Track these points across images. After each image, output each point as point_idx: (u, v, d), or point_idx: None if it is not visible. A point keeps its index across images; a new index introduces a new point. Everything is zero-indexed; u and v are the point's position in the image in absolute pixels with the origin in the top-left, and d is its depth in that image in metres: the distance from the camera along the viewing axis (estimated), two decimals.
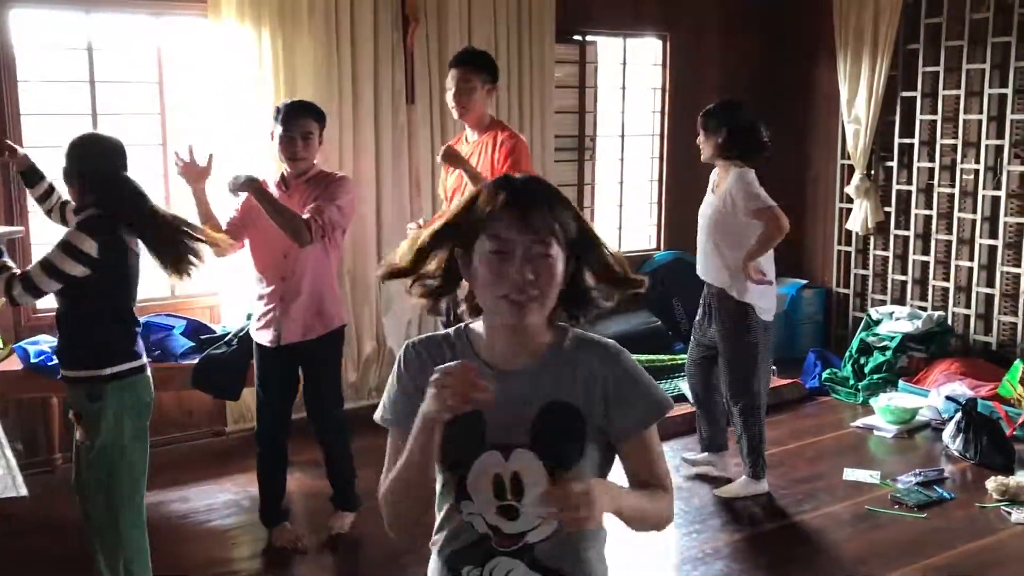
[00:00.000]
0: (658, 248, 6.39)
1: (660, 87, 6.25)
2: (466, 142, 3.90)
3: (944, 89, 5.60)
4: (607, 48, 6.06)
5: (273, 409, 3.54)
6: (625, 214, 6.27)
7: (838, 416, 5.20)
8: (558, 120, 5.80)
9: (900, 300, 5.98)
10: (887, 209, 6.00)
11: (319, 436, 3.67)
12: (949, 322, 5.67)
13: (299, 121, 3.47)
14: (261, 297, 3.50)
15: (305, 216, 3.34)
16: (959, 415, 4.58)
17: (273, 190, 3.47)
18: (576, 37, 5.85)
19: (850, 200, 6.13)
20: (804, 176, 6.53)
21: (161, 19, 4.59)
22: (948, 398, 4.83)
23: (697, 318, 4.20)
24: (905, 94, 5.83)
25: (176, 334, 4.07)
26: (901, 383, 5.32)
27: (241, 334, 3.99)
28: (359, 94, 4.90)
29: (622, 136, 6.18)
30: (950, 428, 4.61)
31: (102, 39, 4.49)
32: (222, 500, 4.11)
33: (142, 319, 4.03)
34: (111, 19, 4.54)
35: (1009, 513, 3.88)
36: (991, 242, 5.45)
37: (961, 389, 4.97)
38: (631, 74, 6.18)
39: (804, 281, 6.44)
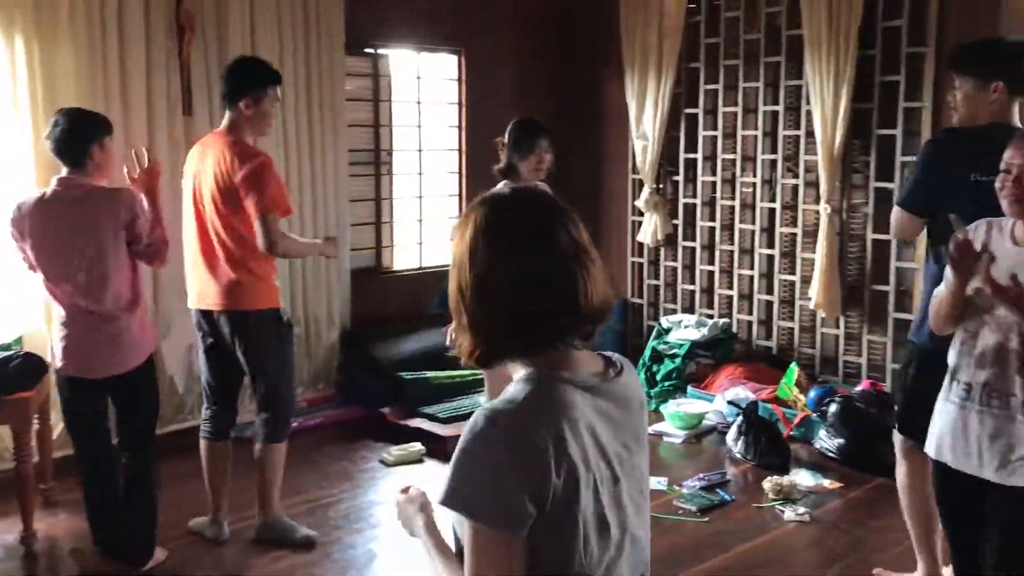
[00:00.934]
0: None
1: (457, 102, 6.24)
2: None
3: (723, 106, 5.87)
4: (402, 62, 5.99)
5: None
6: (425, 229, 6.20)
7: None
8: (352, 134, 5.67)
9: (690, 309, 6.22)
10: (675, 222, 6.23)
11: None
12: (734, 329, 5.93)
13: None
14: None
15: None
16: (740, 418, 4.78)
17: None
18: (368, 50, 5.74)
19: (641, 213, 6.32)
20: (599, 191, 6.69)
21: None
22: (730, 402, 5.04)
23: None
24: (688, 111, 6.07)
25: None
26: (690, 389, 5.51)
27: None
28: (130, 104, 4.60)
29: (420, 150, 6.11)
30: (732, 431, 4.81)
31: None
32: None
33: None
34: None
35: (782, 511, 4.06)
36: (769, 251, 5.75)
37: (744, 393, 5.19)
38: (429, 88, 6.13)
39: None
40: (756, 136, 5.73)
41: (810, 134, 5.38)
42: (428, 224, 6.22)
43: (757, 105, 5.70)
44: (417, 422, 5.07)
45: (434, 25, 5.96)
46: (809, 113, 5.34)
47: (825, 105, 5.18)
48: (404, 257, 6.15)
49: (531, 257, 1.34)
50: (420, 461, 4.76)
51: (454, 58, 6.19)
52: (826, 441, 4.66)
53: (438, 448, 4.81)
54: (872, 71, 5.12)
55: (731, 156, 5.89)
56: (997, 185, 2.38)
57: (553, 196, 1.47)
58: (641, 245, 6.42)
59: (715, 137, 5.95)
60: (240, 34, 4.91)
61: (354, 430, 5.19)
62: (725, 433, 4.95)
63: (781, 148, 5.61)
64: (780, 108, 5.58)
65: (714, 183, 5.99)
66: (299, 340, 5.35)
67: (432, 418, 5.09)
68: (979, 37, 3.67)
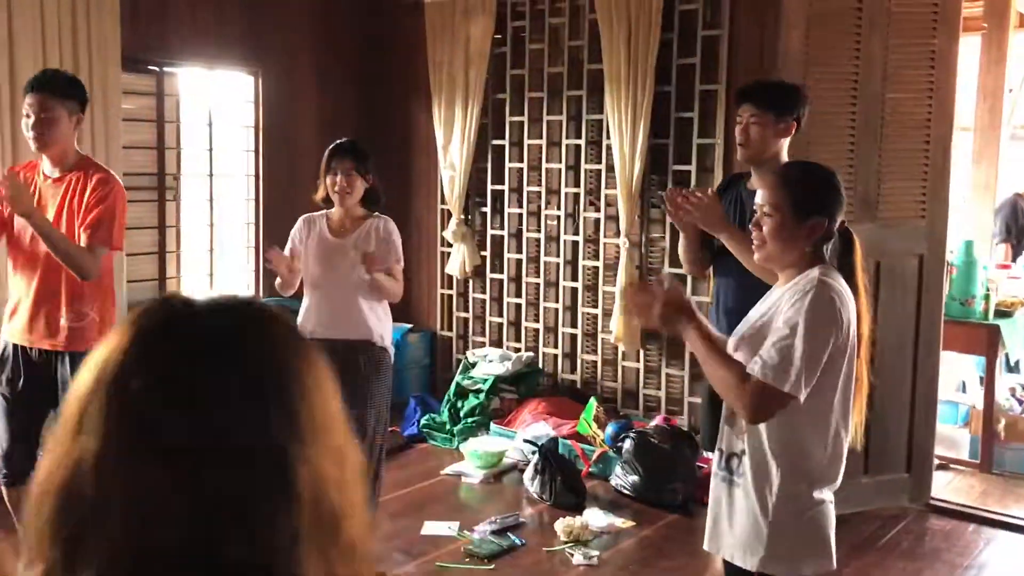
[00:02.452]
0: (258, 295, 6.01)
1: (253, 125, 5.92)
2: (43, 175, 3.32)
3: (529, 138, 5.81)
4: (191, 81, 5.62)
5: None
6: (217, 259, 5.82)
7: (431, 464, 5.12)
8: (131, 156, 5.25)
9: (498, 342, 6.09)
10: (483, 253, 6.11)
11: None
12: (540, 362, 5.85)
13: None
14: None
15: None
16: (536, 457, 4.66)
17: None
18: (152, 67, 5.35)
19: (450, 244, 6.17)
20: (408, 220, 6.48)
21: None
22: (525, 440, 4.92)
23: None
24: (495, 142, 5.98)
25: None
26: (492, 425, 5.36)
27: None
28: None
29: (211, 175, 5.75)
30: (529, 471, 4.68)
31: None
32: None
33: None
34: None
35: (571, 555, 3.95)
36: (573, 284, 5.71)
37: (545, 429, 5.09)
38: (221, 110, 5.78)
39: (410, 325, 6.38)
40: (560, 169, 5.69)
41: (610, 168, 5.39)
42: (221, 254, 5.85)
43: (561, 138, 5.67)
44: None
45: (226, 43, 5.63)
46: (610, 147, 5.35)
47: (624, 140, 5.19)
48: (193, 291, 5.74)
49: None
50: None
51: (250, 79, 5.87)
52: (621, 478, 4.60)
53: None
54: (668, 108, 5.17)
55: (536, 188, 5.83)
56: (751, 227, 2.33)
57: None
58: (451, 276, 6.26)
59: (521, 169, 5.88)
60: None
61: None
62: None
63: (584, 182, 5.59)
64: (582, 142, 5.56)
65: (520, 215, 5.92)
66: None
67: None
68: (767, 77, 3.76)
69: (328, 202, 3.59)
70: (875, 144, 4.16)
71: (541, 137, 5.74)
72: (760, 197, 2.21)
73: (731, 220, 3.09)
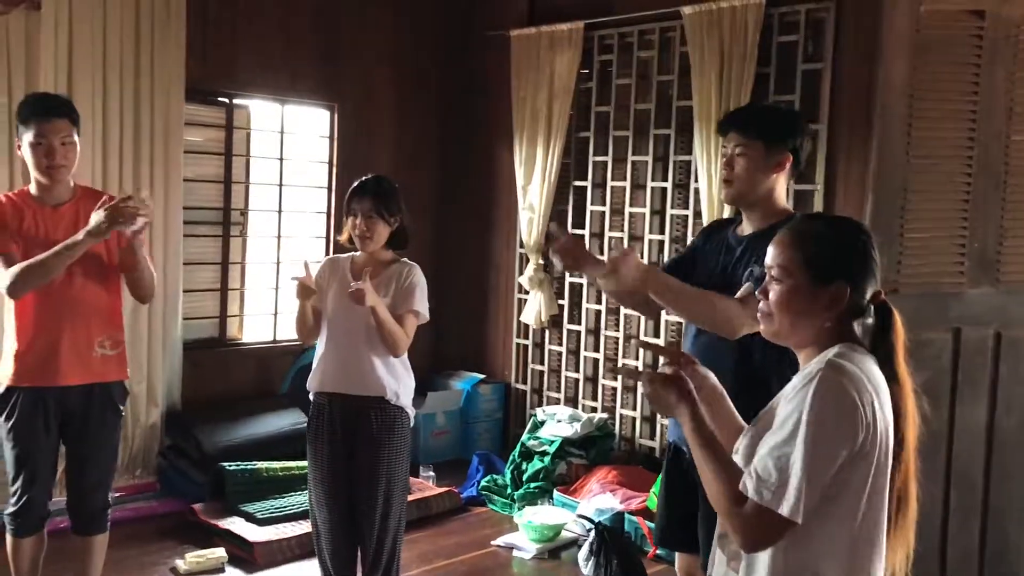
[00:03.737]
0: None
1: (328, 160, 5.70)
2: (39, 203, 3.08)
3: (612, 180, 5.36)
4: (263, 114, 5.45)
5: None
6: (283, 298, 5.59)
7: (485, 532, 4.67)
8: (196, 189, 5.11)
9: (574, 399, 5.62)
10: (561, 302, 5.67)
11: None
12: (617, 425, 5.34)
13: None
14: None
15: None
16: (592, 535, 4.15)
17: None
18: (221, 99, 5.20)
19: (527, 291, 5.76)
20: (488, 264, 6.13)
21: None
22: (580, 516, 4.41)
23: None
24: (577, 183, 5.57)
25: None
26: (556, 493, 4.88)
27: None
28: None
29: (280, 211, 5.55)
30: (584, 550, 4.17)
31: None
32: None
33: None
34: None
35: None
36: (655, 340, 5.19)
37: (611, 502, 4.58)
38: (295, 145, 5.59)
39: (482, 376, 5.99)
40: (644, 214, 5.21)
41: (698, 214, 4.88)
42: (286, 293, 5.62)
43: (646, 180, 5.19)
44: (230, 521, 4.40)
45: (301, 76, 5.45)
46: (698, 191, 4.84)
47: (714, 184, 4.68)
48: (255, 329, 5.53)
49: None
50: (220, 570, 4.08)
51: (326, 113, 5.67)
52: None
53: (244, 555, 4.15)
54: None
55: (619, 234, 5.36)
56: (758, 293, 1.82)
57: None
58: (526, 325, 5.84)
59: (603, 212, 5.43)
60: (53, 71, 4.35)
61: (164, 527, 4.50)
62: None
63: (669, 228, 5.10)
64: (669, 185, 5.08)
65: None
66: None
67: (249, 517, 4.42)
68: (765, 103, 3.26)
69: (354, 244, 3.24)
70: (997, 193, 3.52)
71: (625, 179, 5.29)
72: (769, 257, 1.73)
73: (713, 268, 2.63)
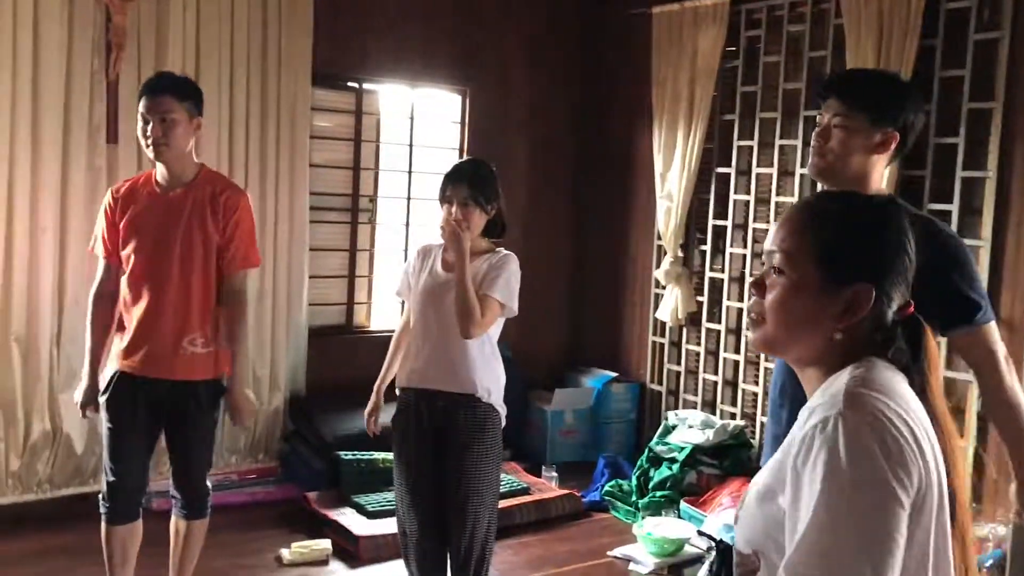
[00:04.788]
0: None
1: (458, 147, 5.55)
2: (158, 187, 3.05)
3: (758, 166, 4.93)
4: (393, 99, 5.35)
5: None
6: None
7: (603, 541, 4.39)
8: (324, 175, 5.07)
9: (712, 403, 5.23)
10: (700, 298, 5.29)
11: None
12: (757, 434, 4.91)
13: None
14: None
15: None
16: (713, 555, 3.77)
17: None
18: (351, 84, 5.14)
19: (663, 286, 5.41)
20: (624, 256, 5.82)
21: None
22: (700, 532, 4.05)
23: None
24: (720, 170, 5.16)
25: None
26: (683, 505, 4.53)
27: None
28: (41, 130, 4.11)
29: (408, 198, 5.44)
30: (703, 569, 3.80)
31: None
32: None
33: None
34: None
35: None
36: None
37: None
38: (425, 131, 5.47)
39: (614, 374, 5.69)
40: (792, 203, 4.75)
41: None
42: None
43: (795, 167, 4.74)
44: (340, 512, 4.32)
45: (433, 60, 5.32)
46: None
47: None
48: (382, 317, 5.45)
49: None
50: (323, 563, 4.00)
51: (457, 97, 5.52)
52: None
53: (349, 548, 4.06)
54: (926, 132, 4.09)
55: (764, 225, 4.92)
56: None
57: None
58: (663, 323, 5.49)
59: (748, 202, 5.01)
60: (181, 55, 4.39)
61: (278, 514, 4.49)
62: None
63: None
64: None
65: (744, 256, 5.03)
66: None
67: (360, 509, 4.33)
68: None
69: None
70: None
71: (772, 165, 4.85)
72: (771, 239, 1.31)
73: None
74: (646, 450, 4.94)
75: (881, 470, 1.11)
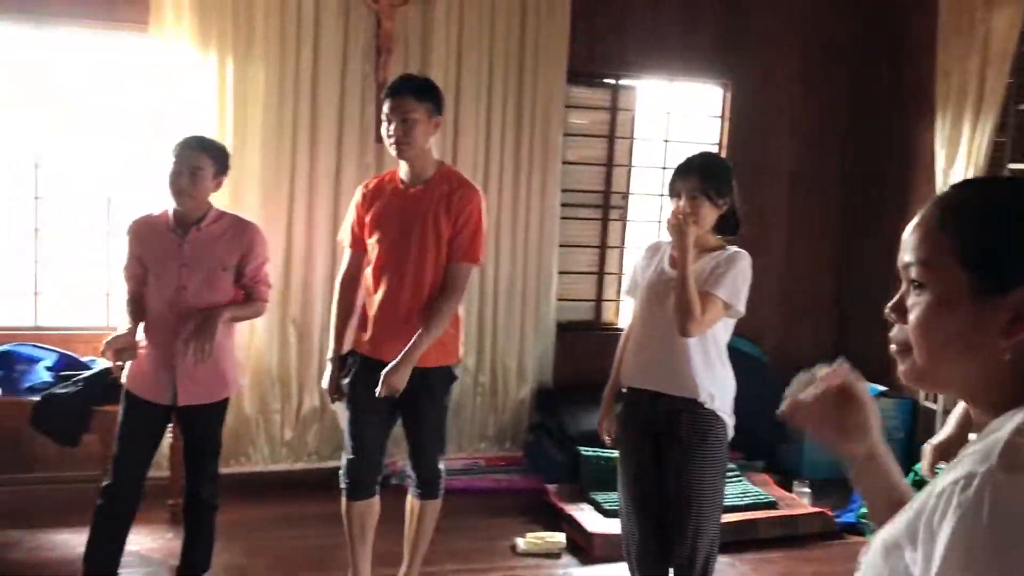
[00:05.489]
0: None
1: (718, 142, 5.37)
2: (401, 183, 3.23)
3: None
4: (648, 94, 5.28)
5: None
6: None
7: (851, 567, 4.03)
8: (575, 172, 5.11)
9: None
10: None
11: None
12: None
13: (188, 153, 3.12)
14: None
15: (259, 295, 3.25)
16: None
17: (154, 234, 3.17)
18: (607, 80, 5.13)
19: None
20: (896, 259, 5.33)
21: (102, 34, 4.37)
22: None
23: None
24: (1014, 166, 4.60)
25: (39, 368, 3.80)
26: None
27: (89, 374, 3.66)
28: (319, 129, 4.49)
29: (662, 195, 5.34)
30: None
31: (48, 55, 4.34)
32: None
33: (4, 348, 3.85)
34: (57, 35, 4.36)
35: None
36: None
37: None
38: (681, 126, 5.35)
39: (884, 388, 5.24)
40: None
41: None
42: None
43: None
44: (577, 507, 4.33)
45: (694, 54, 5.17)
46: None
47: None
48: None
49: None
50: (556, 556, 4.03)
51: (718, 91, 5.34)
52: None
53: (583, 544, 4.06)
54: None
55: None
56: None
57: None
58: None
59: None
60: (444, 57, 4.60)
61: (518, 503, 4.59)
62: None
63: None
64: None
65: None
66: (483, 390, 4.91)
67: (598, 507, 4.32)
68: None
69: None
70: None
71: None
72: (906, 248, 1.06)
73: None
74: (911, 473, 4.50)
75: None
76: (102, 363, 3.72)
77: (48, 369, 3.81)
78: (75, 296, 4.66)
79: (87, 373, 3.76)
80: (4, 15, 4.21)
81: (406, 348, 3.03)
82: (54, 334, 4.25)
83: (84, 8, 4.24)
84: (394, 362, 3.02)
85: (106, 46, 4.43)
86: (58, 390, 3.66)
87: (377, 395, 3.02)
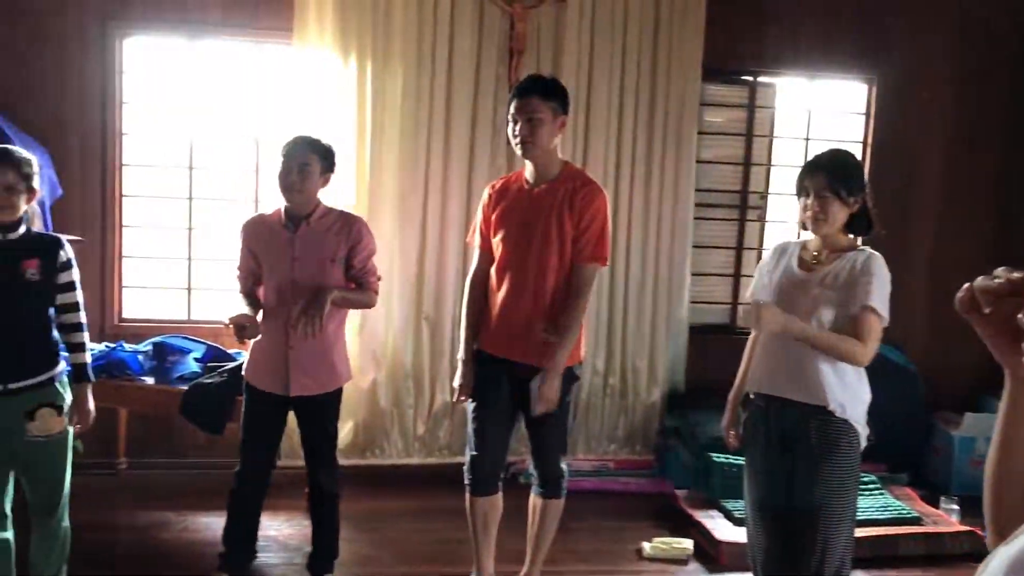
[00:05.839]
0: None
1: (862, 140, 5.15)
2: (526, 183, 3.25)
3: None
4: (788, 91, 5.11)
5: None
6: None
7: None
8: (712, 172, 5.00)
9: None
10: None
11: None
12: None
13: (297, 152, 3.25)
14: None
15: (369, 285, 3.29)
16: None
17: (268, 231, 3.28)
18: (745, 77, 5.00)
19: None
20: None
21: (248, 44, 4.59)
22: None
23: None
24: None
25: (189, 359, 4.03)
26: None
27: (233, 365, 3.85)
28: (452, 130, 4.57)
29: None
30: None
31: (201, 67, 4.61)
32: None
33: (158, 339, 4.10)
34: (210, 46, 4.62)
35: None
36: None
37: None
38: (822, 124, 5.15)
39: None
40: None
41: None
42: None
43: None
44: (706, 514, 4.24)
45: (838, 50, 4.98)
46: None
47: None
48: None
49: None
50: (683, 562, 3.96)
51: (863, 87, 5.11)
52: None
53: (710, 552, 3.97)
54: None
55: None
56: None
57: None
58: None
59: None
60: (576, 58, 4.60)
61: (648, 507, 4.53)
62: None
63: None
64: None
65: None
66: (612, 392, 4.88)
67: (727, 515, 4.22)
68: None
69: (806, 228, 2.82)
70: None
71: None
72: None
73: None
74: None
75: None
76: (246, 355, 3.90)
77: (197, 360, 4.03)
78: (225, 291, 4.91)
79: (231, 364, 3.95)
80: (161, 29, 4.50)
81: (550, 363, 3.05)
82: (205, 327, 4.50)
83: (232, 18, 4.47)
84: (540, 378, 3.06)
85: (252, 56, 4.65)
86: (205, 380, 3.86)
87: (534, 413, 3.05)
